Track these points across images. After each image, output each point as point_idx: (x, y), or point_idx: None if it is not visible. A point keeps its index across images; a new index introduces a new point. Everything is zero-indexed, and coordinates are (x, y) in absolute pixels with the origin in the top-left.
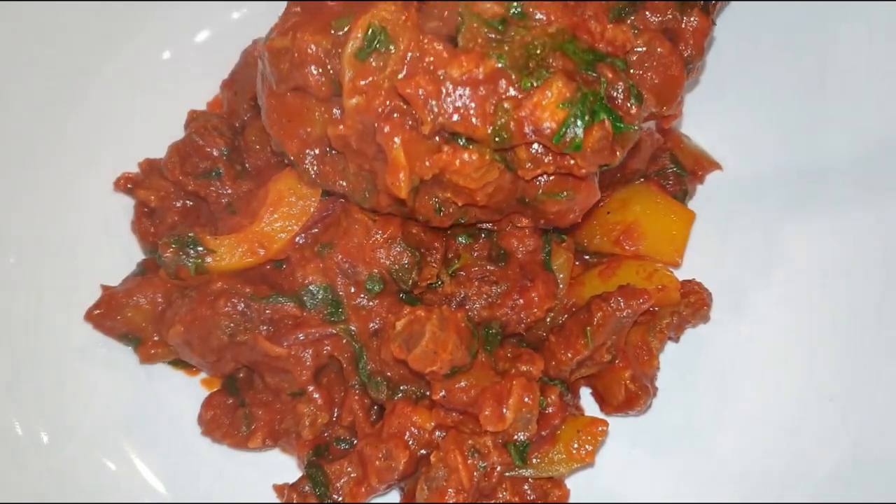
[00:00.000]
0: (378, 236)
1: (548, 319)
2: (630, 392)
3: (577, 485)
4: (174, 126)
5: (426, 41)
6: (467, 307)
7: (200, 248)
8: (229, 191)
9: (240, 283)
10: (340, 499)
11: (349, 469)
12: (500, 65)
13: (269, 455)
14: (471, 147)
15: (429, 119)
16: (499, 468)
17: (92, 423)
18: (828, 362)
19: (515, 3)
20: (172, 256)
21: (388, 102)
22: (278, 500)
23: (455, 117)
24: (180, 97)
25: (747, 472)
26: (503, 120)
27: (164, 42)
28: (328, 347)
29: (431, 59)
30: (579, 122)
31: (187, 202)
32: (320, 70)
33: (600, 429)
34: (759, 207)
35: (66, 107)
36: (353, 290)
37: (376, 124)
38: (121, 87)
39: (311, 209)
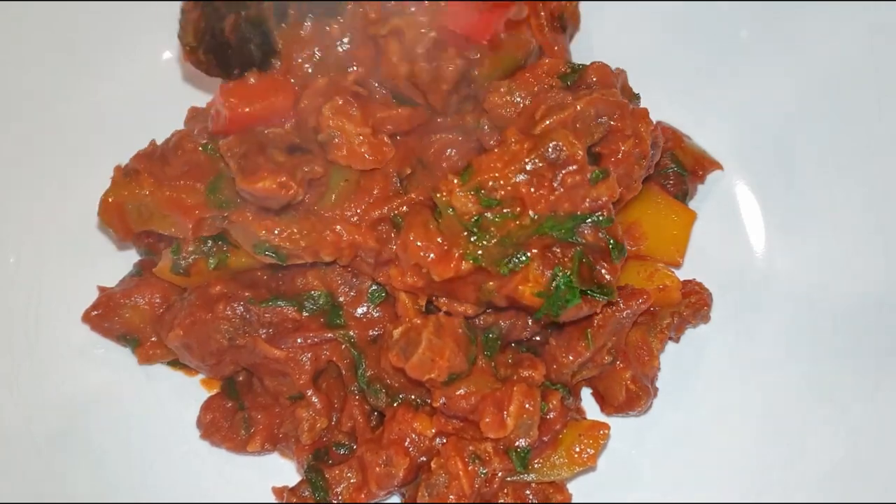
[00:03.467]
0: None
1: None
2: (631, 392)
3: (577, 484)
4: (174, 126)
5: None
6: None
7: (225, 243)
8: None
9: (239, 288)
10: None
11: (349, 474)
12: (478, 263)
13: (268, 457)
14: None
15: (421, 301)
16: (500, 474)
17: (92, 423)
18: (828, 362)
19: (488, 199)
20: (195, 249)
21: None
22: (277, 502)
23: (444, 300)
24: (180, 97)
25: (747, 471)
26: (488, 296)
27: (164, 42)
28: (327, 352)
29: (413, 262)
30: (555, 308)
31: None
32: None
33: (602, 432)
34: (760, 207)
35: (66, 106)
36: (354, 297)
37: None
38: (121, 87)
39: None
